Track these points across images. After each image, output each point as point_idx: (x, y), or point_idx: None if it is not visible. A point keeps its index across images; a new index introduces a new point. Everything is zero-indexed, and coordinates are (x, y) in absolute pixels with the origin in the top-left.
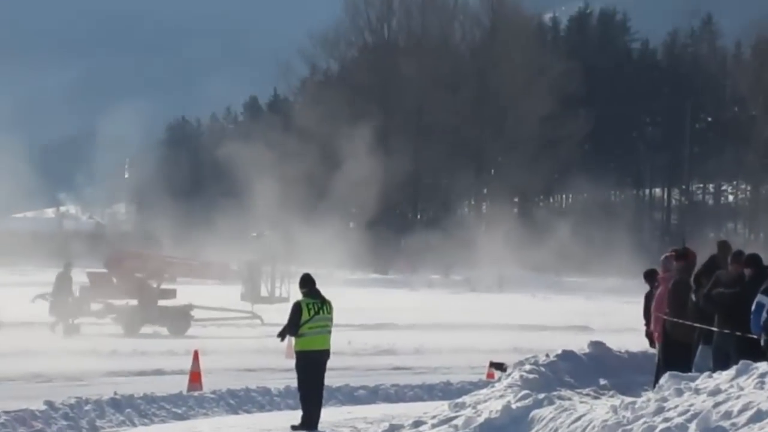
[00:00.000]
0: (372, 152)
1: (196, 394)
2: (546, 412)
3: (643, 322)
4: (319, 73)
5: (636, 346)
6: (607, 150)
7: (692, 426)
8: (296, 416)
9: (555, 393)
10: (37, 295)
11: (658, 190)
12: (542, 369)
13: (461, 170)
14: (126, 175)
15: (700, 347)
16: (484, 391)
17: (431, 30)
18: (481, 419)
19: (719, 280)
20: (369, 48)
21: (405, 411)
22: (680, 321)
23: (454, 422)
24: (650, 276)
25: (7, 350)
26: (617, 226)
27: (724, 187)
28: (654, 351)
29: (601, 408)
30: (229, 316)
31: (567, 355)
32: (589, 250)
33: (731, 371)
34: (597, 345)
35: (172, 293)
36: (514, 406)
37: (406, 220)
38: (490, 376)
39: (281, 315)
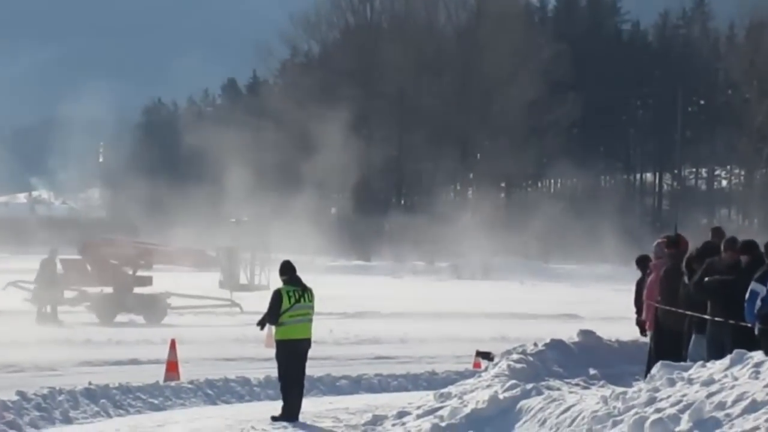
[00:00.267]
0: (354, 137)
1: (173, 384)
2: (534, 402)
3: (634, 310)
4: (300, 55)
5: (627, 334)
6: (597, 134)
7: (685, 417)
8: (277, 407)
9: (543, 383)
10: (9, 282)
11: (649, 175)
12: (530, 358)
13: (446, 155)
14: (100, 160)
15: (693, 336)
16: (470, 381)
17: (415, 11)
18: (467, 410)
19: (713, 267)
20: (351, 30)
21: (389, 401)
22: (672, 309)
23: (440, 413)
24: (642, 262)
25: None
26: (607, 212)
27: (717, 172)
28: (645, 340)
29: (591, 398)
30: (207, 304)
31: (556, 344)
32: (578, 237)
33: (725, 361)
34: (586, 334)
35: (148, 280)
36: (501, 397)
37: (390, 206)
38: (476, 365)
39: (261, 303)
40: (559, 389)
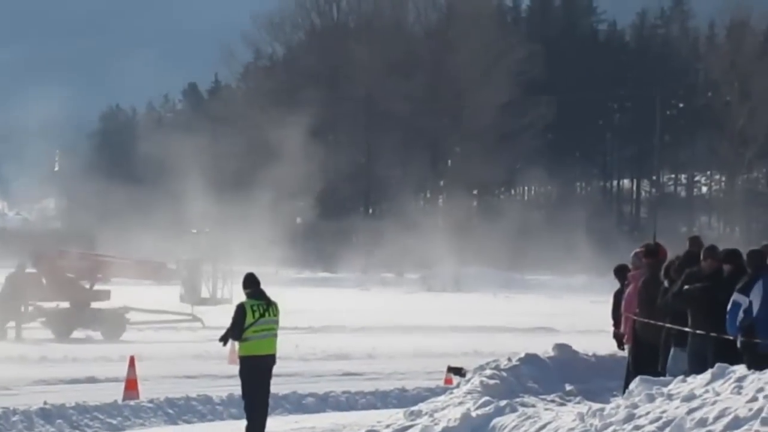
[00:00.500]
0: (320, 142)
1: (132, 403)
2: (508, 420)
3: (611, 322)
4: (264, 57)
5: (604, 348)
6: (572, 139)
7: None
8: (240, 426)
9: (518, 400)
10: None
11: (626, 182)
12: (504, 374)
13: (416, 161)
14: (56, 168)
15: (672, 350)
16: (441, 398)
17: (383, 11)
18: (438, 428)
19: (693, 277)
20: (316, 31)
21: (357, 420)
22: (651, 321)
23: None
24: (621, 272)
25: None
26: (583, 220)
27: (697, 178)
28: (623, 354)
29: (567, 415)
30: (168, 319)
31: (530, 359)
32: (553, 246)
33: (706, 375)
34: (562, 348)
35: (105, 294)
36: (474, 414)
37: (357, 215)
38: (448, 381)
39: (224, 317)
40: (534, 406)
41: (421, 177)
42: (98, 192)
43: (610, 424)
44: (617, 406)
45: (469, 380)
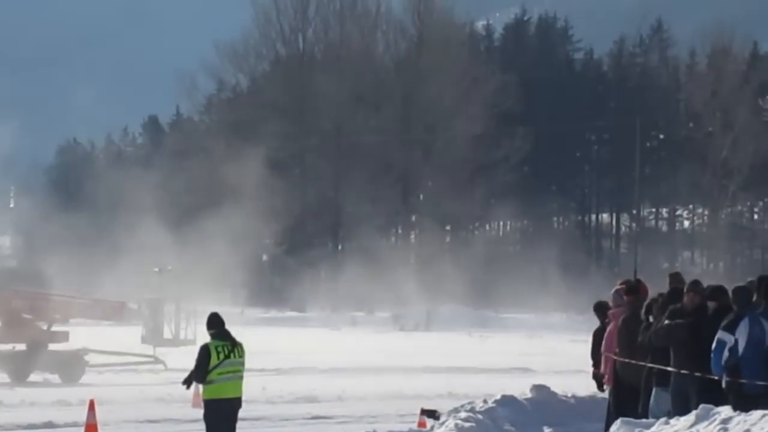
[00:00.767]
0: (287, 176)
1: None
2: None
3: (591, 362)
4: (227, 89)
5: (583, 389)
6: (549, 172)
7: None
8: None
9: None
10: None
11: (605, 216)
12: (480, 416)
13: (386, 196)
14: (11, 205)
15: (654, 390)
16: None
17: (351, 41)
18: None
19: (676, 314)
20: (282, 61)
21: None
22: (632, 361)
23: None
24: (601, 309)
25: None
26: (561, 257)
27: (678, 212)
28: (604, 395)
29: None
30: (129, 361)
31: (507, 401)
32: (530, 284)
33: (690, 417)
34: (540, 389)
35: (64, 336)
36: None
37: (326, 252)
38: (421, 425)
39: (187, 359)
40: None
41: (391, 212)
42: (55, 229)
43: None
44: None
45: (443, 423)
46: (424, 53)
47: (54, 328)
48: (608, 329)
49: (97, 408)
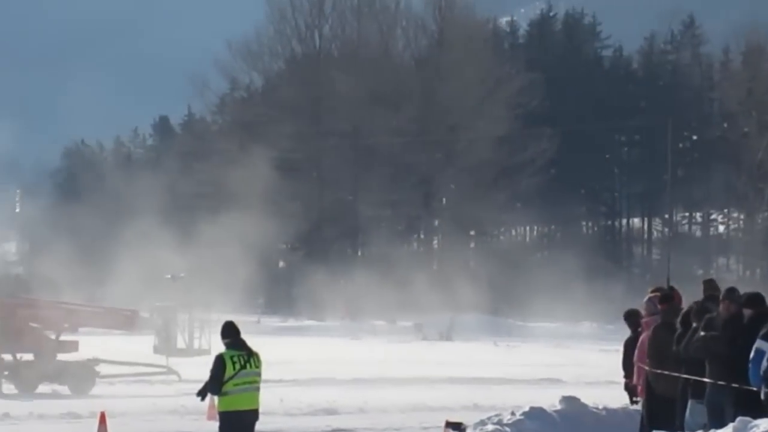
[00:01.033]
0: (303, 180)
1: None
2: None
3: (623, 373)
4: (240, 88)
5: (615, 401)
6: (576, 175)
7: None
8: None
9: None
10: None
11: (636, 221)
12: (507, 429)
13: (407, 200)
14: (17, 210)
15: (689, 402)
16: None
17: (369, 38)
18: None
19: (712, 324)
20: (297, 59)
21: None
22: (666, 372)
23: None
24: (631, 318)
25: None
26: (590, 263)
27: (713, 216)
28: (636, 407)
29: None
30: (141, 372)
31: (535, 413)
32: (558, 291)
33: (727, 430)
34: (570, 401)
35: (73, 345)
36: None
37: (345, 258)
38: None
39: (201, 370)
40: None
41: (412, 216)
42: (62, 235)
43: None
44: None
45: None
46: (446, 51)
47: (62, 338)
48: (641, 338)
49: (108, 421)
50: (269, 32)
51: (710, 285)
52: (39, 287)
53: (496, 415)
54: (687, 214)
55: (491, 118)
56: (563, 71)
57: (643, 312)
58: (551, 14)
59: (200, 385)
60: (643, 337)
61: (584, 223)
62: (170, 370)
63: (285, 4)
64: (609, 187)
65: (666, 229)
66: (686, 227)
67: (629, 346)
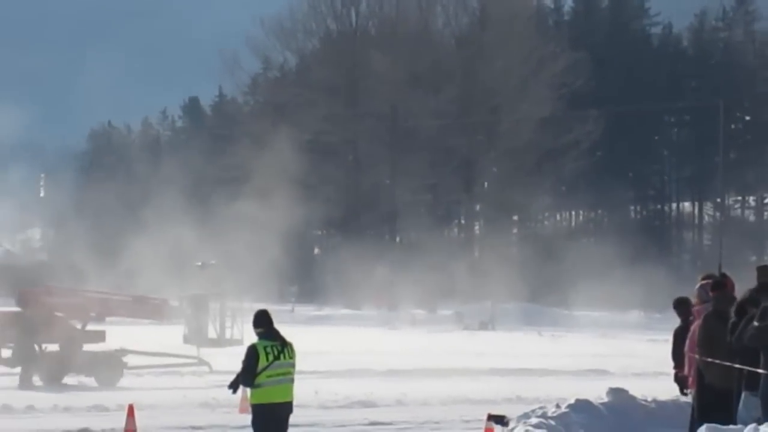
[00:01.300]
0: (339, 163)
1: None
2: None
3: (673, 363)
4: (273, 68)
5: (665, 393)
6: (624, 158)
7: None
8: None
9: None
10: None
11: (687, 205)
12: (552, 422)
13: (447, 184)
14: (41, 194)
15: (743, 394)
16: None
17: (408, 15)
18: None
19: (766, 312)
20: (333, 38)
21: None
22: (718, 361)
23: None
24: (682, 306)
25: None
26: (638, 249)
27: (767, 200)
28: (687, 399)
29: None
30: (170, 363)
31: (581, 406)
32: (605, 278)
33: None
34: (617, 393)
35: (100, 335)
36: None
37: (383, 245)
38: (488, 431)
39: (233, 360)
40: None
41: (452, 201)
42: (88, 220)
43: None
44: None
45: (512, 430)
46: (488, 29)
47: (89, 328)
48: (692, 328)
49: (136, 413)
50: (303, 9)
51: (764, 272)
52: (64, 275)
53: (540, 408)
54: (739, 197)
55: (534, 99)
56: (610, 50)
57: (694, 300)
58: None
59: (232, 377)
60: (694, 326)
61: (632, 207)
62: (201, 361)
63: None
64: (658, 170)
65: (717, 214)
66: (739, 211)
67: (679, 336)
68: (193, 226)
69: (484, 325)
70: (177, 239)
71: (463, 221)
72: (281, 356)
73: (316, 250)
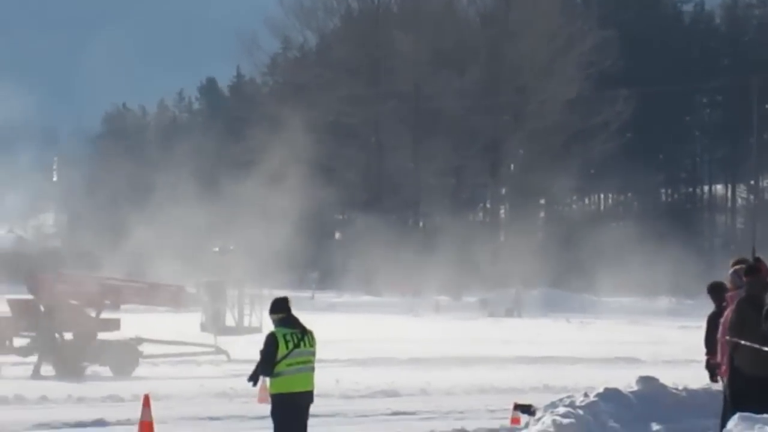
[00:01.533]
0: (361, 146)
1: None
2: None
3: (705, 350)
4: (293, 48)
5: (696, 381)
6: (654, 139)
7: None
8: None
9: None
10: None
11: (719, 188)
12: (580, 411)
13: (472, 167)
14: (54, 178)
15: None
16: None
17: None
18: None
19: None
20: (354, 16)
21: None
22: (754, 346)
23: None
24: (716, 291)
25: None
26: (669, 233)
27: None
28: (719, 387)
29: None
30: (187, 351)
31: (610, 394)
32: (635, 263)
33: None
34: (647, 381)
35: (115, 324)
36: None
37: (406, 229)
38: (514, 421)
39: (252, 349)
40: None
41: (478, 184)
42: (103, 205)
43: None
44: None
45: (539, 419)
46: (514, 6)
47: (103, 316)
48: (725, 314)
49: (152, 404)
50: None
51: None
52: (78, 261)
53: (568, 397)
54: None
55: (562, 79)
56: (640, 27)
57: (728, 285)
58: None
59: (250, 366)
60: (727, 312)
61: (663, 190)
62: (218, 350)
63: None
64: (689, 151)
65: (751, 196)
66: None
67: (713, 322)
68: (210, 211)
69: (509, 312)
70: (194, 224)
71: (488, 205)
72: (301, 344)
73: (337, 236)
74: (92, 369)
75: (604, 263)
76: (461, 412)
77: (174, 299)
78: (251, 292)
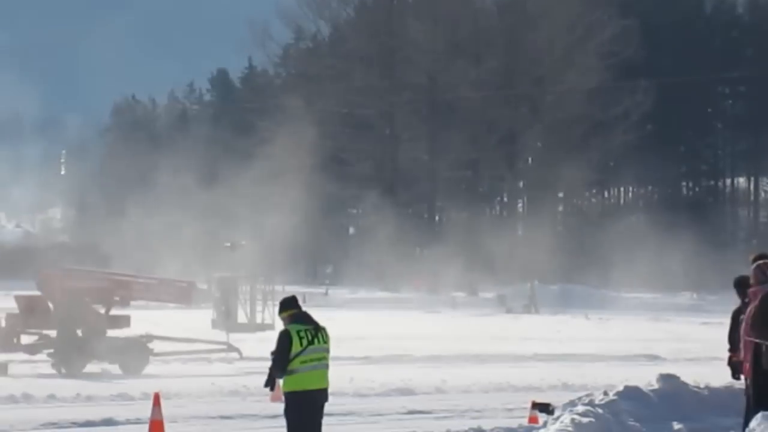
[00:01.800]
0: (375, 137)
1: None
2: None
3: (728, 347)
4: (306, 38)
5: (719, 379)
6: (675, 131)
7: None
8: None
9: None
10: None
11: (741, 180)
12: (599, 410)
13: (489, 159)
14: (62, 172)
15: None
16: None
17: None
18: None
19: None
20: (368, 6)
21: None
22: None
23: None
24: (743, 285)
25: None
26: (690, 227)
27: None
28: (740, 384)
29: None
30: (198, 349)
31: (630, 393)
32: (656, 258)
33: None
34: (669, 379)
35: (124, 321)
36: None
37: (422, 224)
38: (532, 420)
39: (264, 346)
40: None
41: (495, 178)
42: (111, 199)
43: None
44: None
45: (557, 418)
46: None
47: (113, 312)
48: (748, 310)
49: (162, 402)
50: None
51: None
52: (86, 256)
53: (588, 395)
54: None
55: (581, 69)
56: (660, 17)
57: (751, 281)
58: None
59: (263, 364)
60: (750, 308)
61: (683, 183)
62: (230, 347)
63: None
64: (711, 143)
65: None
66: None
67: (737, 317)
68: (221, 205)
69: (527, 308)
70: (205, 218)
71: (505, 199)
72: (315, 341)
73: (351, 230)
74: (101, 367)
75: (623, 258)
76: (478, 411)
77: (185, 295)
78: (264, 288)
